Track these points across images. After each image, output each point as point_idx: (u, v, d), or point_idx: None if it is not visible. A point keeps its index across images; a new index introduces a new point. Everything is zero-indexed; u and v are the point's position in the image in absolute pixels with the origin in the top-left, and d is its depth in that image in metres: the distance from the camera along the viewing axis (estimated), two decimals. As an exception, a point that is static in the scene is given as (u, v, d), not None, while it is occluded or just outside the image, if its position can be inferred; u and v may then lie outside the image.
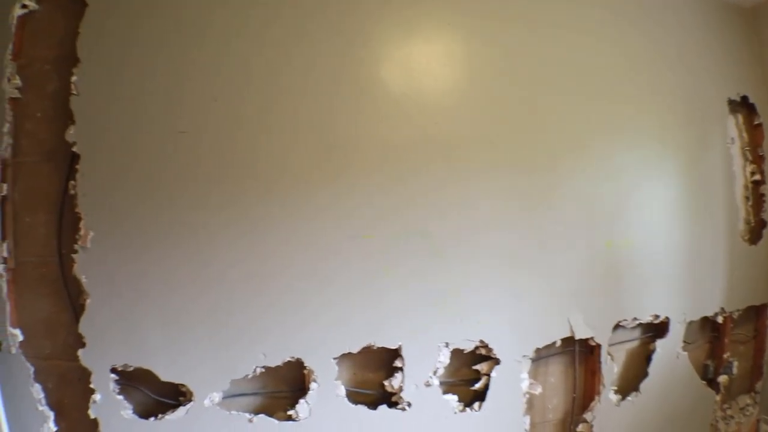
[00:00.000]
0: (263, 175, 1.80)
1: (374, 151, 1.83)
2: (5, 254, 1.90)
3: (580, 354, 2.12)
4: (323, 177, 1.80)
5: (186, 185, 1.80)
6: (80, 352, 1.83)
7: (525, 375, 1.99)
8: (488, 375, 1.95)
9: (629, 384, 2.27)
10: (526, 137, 1.95)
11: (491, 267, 1.91)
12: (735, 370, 2.56)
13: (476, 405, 1.96)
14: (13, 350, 1.91)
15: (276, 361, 1.81)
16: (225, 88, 1.82)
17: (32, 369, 1.91)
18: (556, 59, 2.01)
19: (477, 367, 1.96)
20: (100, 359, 1.83)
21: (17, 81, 1.92)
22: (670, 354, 2.32)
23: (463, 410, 1.95)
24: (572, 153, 2.01)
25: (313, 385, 1.83)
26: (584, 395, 2.17)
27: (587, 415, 2.15)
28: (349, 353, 1.83)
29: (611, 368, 2.16)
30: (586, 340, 2.08)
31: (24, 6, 1.96)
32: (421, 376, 1.87)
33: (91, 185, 1.81)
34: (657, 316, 2.24)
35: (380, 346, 1.83)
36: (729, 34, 2.51)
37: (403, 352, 1.85)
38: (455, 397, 1.94)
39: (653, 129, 2.20)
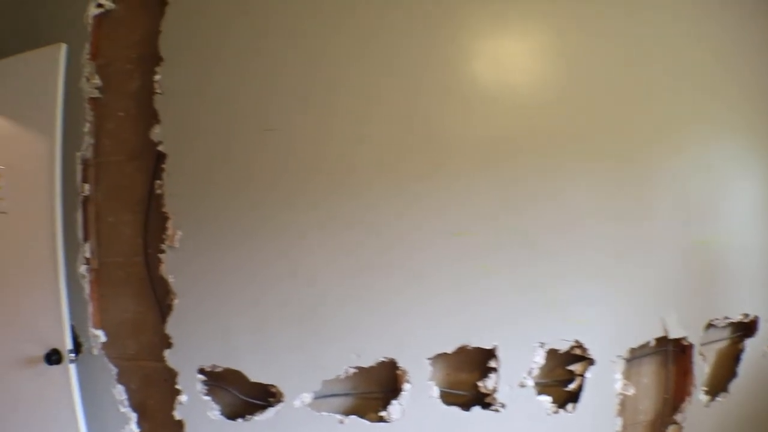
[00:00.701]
0: (354, 172, 1.75)
1: (468, 146, 1.77)
2: (88, 255, 1.88)
3: (672, 354, 2.04)
4: (417, 173, 1.74)
5: (275, 183, 1.76)
6: (167, 353, 1.81)
7: (618, 376, 1.91)
8: (582, 376, 1.88)
9: (718, 384, 2.18)
10: (621, 131, 1.86)
11: (587, 265, 1.83)
12: (819, 370, 2.45)
13: (569, 406, 1.89)
14: (95, 351, 1.90)
15: (369, 362, 1.76)
16: (314, 84, 1.77)
17: (115, 370, 1.89)
18: (647, 53, 1.91)
19: (571, 367, 1.89)
20: (187, 360, 1.80)
21: (97, 80, 1.91)
22: (758, 353, 2.22)
23: (556, 412, 1.88)
24: (666, 148, 1.92)
25: (406, 386, 1.77)
26: (674, 396, 2.09)
27: (678, 417, 2.06)
28: (444, 353, 1.77)
29: (702, 368, 2.08)
30: (679, 339, 2.00)
31: (99, 5, 1.95)
32: (515, 376, 1.81)
33: (178, 184, 1.78)
34: (746, 315, 2.15)
35: (475, 346, 1.77)
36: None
37: (499, 353, 1.78)
38: (549, 398, 1.87)
39: (743, 123, 2.10)
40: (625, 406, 1.99)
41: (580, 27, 1.87)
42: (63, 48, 1.91)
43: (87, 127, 1.87)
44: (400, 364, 1.76)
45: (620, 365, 1.92)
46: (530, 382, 1.84)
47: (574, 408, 1.89)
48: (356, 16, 1.81)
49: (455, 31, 1.81)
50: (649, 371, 2.04)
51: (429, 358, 1.77)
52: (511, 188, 1.78)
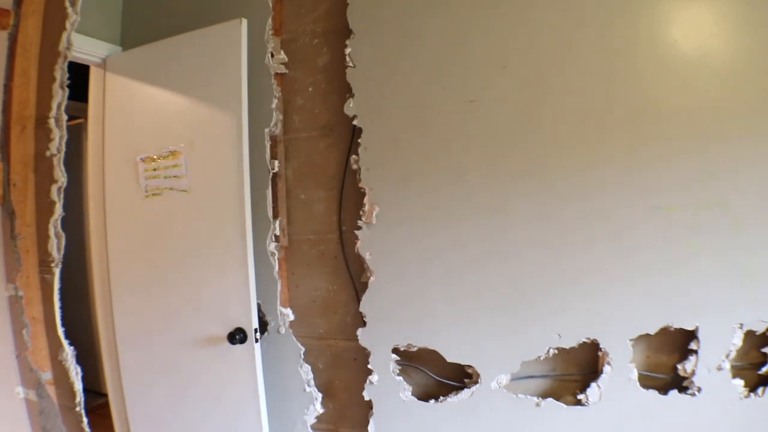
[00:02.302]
0: (558, 145, 1.70)
1: (671, 118, 1.72)
2: (277, 232, 1.86)
3: None
4: (621, 145, 1.68)
5: (476, 157, 1.71)
6: (359, 332, 1.79)
7: (808, 359, 1.88)
8: (775, 359, 1.85)
9: None
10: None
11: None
12: None
13: (759, 390, 1.85)
14: (282, 330, 1.89)
15: (571, 342, 1.72)
16: (514, 54, 1.72)
17: (302, 349, 1.87)
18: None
19: (765, 349, 1.86)
20: (380, 339, 1.78)
21: (282, 56, 1.89)
22: None
23: (747, 396, 1.84)
24: None
25: (606, 368, 1.74)
26: None
27: None
28: (646, 334, 1.74)
29: None
30: None
31: (278, -20, 1.92)
32: (714, 359, 1.76)
33: (374, 159, 1.76)
34: None
35: (677, 327, 1.74)
36: None
37: (699, 334, 1.75)
38: (741, 382, 1.84)
39: None
40: (810, 390, 1.95)
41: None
42: (244, 23, 1.89)
43: (274, 103, 1.85)
44: (602, 345, 1.73)
45: (811, 348, 1.89)
46: (726, 365, 1.80)
47: (764, 392, 1.85)
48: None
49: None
50: (835, 355, 2.00)
51: (631, 340, 1.74)
52: (714, 159, 1.72)
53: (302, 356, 1.86)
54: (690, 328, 1.75)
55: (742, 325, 1.79)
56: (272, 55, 1.87)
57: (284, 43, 1.89)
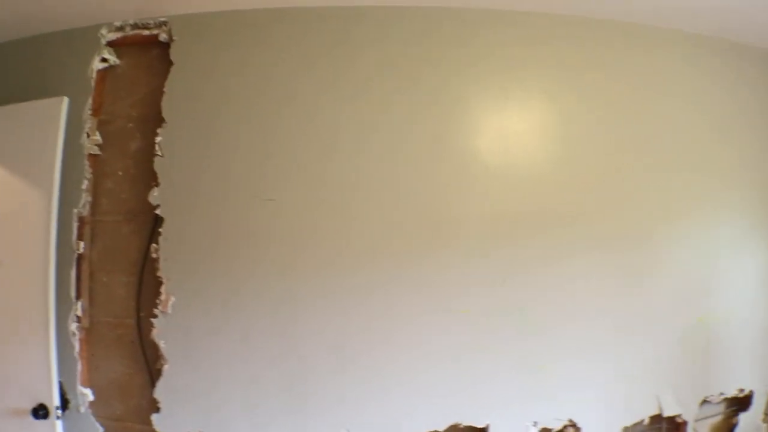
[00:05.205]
0: (353, 247, 1.75)
1: (470, 224, 1.77)
2: (79, 313, 1.86)
3: (667, 431, 2.03)
4: (416, 249, 1.74)
5: (272, 253, 1.76)
6: (154, 417, 1.79)
7: (610, 454, 1.90)
8: (574, 455, 1.87)
9: (711, 460, 2.16)
10: (621, 211, 1.86)
11: (585, 343, 1.82)
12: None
13: (560, 486, 1.87)
14: (82, 409, 1.88)
15: (357, 437, 1.74)
16: (313, 156, 1.78)
17: (101, 429, 1.87)
18: (649, 131, 1.93)
19: (563, 447, 1.88)
20: (174, 425, 1.78)
21: (97, 137, 1.90)
22: (752, 427, 2.20)
23: (546, 492, 1.86)
24: (666, 227, 1.92)
25: (394, 463, 1.75)
26: (666, 473, 2.06)
27: (667, 494, 2.04)
28: (435, 431, 1.75)
29: (695, 445, 2.06)
30: (673, 416, 1.98)
31: (104, 60, 1.94)
32: (506, 455, 1.79)
33: (173, 249, 1.77)
34: (742, 390, 2.14)
35: (467, 424, 1.76)
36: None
37: (491, 431, 1.77)
38: (539, 478, 1.86)
39: (742, 202, 2.10)
40: (616, 484, 1.97)
41: (583, 105, 1.88)
42: (65, 101, 1.90)
43: (85, 183, 1.86)
44: (390, 441, 1.74)
45: (612, 445, 1.90)
46: (521, 462, 1.82)
47: (564, 487, 1.87)
48: (361, 94, 1.83)
49: (456, 107, 1.81)
50: (641, 449, 2.02)
51: (419, 436, 1.75)
52: (510, 265, 1.77)
53: (101, 437, 1.86)
54: (481, 425, 1.78)
55: (536, 423, 1.82)
56: (88, 135, 1.88)
57: (101, 124, 1.90)
